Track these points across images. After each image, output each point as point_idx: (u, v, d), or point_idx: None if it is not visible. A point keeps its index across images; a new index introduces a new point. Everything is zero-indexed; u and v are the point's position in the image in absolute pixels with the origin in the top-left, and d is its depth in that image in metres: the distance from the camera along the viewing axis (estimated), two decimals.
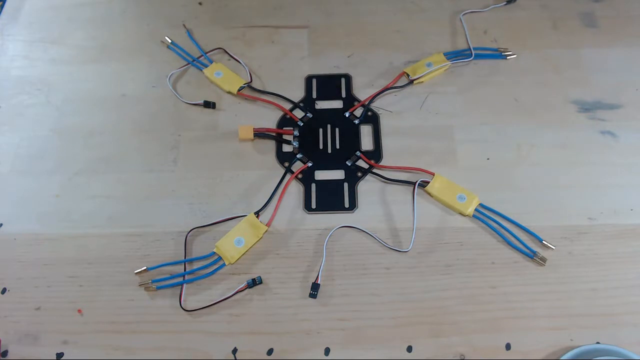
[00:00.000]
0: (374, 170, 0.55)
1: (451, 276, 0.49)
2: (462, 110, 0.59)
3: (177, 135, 0.58)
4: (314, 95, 0.60)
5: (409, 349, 0.46)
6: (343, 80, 0.61)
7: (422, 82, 0.61)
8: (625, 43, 0.63)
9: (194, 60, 0.62)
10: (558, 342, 0.46)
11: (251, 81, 0.61)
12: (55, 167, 0.56)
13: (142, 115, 0.59)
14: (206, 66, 0.62)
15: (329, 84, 0.61)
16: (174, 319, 0.47)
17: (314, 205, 0.53)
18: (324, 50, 0.64)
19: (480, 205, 0.52)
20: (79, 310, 0.48)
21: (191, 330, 0.47)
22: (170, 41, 0.64)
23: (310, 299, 0.48)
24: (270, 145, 0.57)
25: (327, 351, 0.46)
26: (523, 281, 0.49)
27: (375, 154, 0.56)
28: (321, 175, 0.55)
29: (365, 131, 0.58)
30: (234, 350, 0.46)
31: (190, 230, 0.51)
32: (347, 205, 0.53)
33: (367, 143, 0.57)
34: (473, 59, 0.62)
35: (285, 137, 0.57)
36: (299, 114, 0.59)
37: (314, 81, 0.61)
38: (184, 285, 0.48)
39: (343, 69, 0.62)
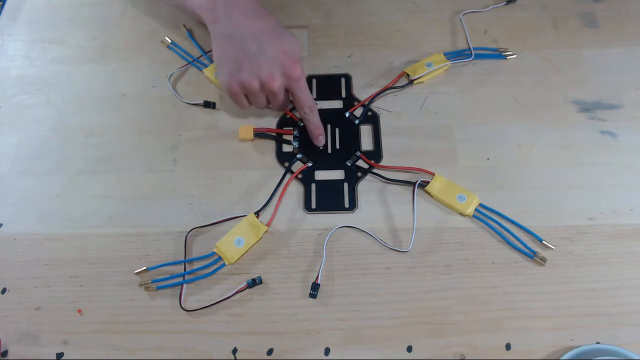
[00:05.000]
0: (374, 170, 0.55)
1: (451, 276, 0.49)
2: (462, 110, 0.59)
3: (177, 135, 0.58)
4: (314, 95, 0.60)
5: (409, 349, 0.46)
6: (343, 80, 0.61)
7: (422, 82, 0.61)
8: (625, 43, 0.63)
9: (194, 60, 0.62)
10: (558, 342, 0.46)
11: None
12: (55, 167, 0.56)
13: (142, 115, 0.59)
14: (206, 66, 0.62)
15: (329, 84, 0.61)
16: (174, 319, 0.47)
17: (314, 205, 0.53)
18: (324, 50, 0.64)
19: (480, 205, 0.52)
20: (79, 310, 0.48)
21: (191, 330, 0.47)
22: (170, 41, 0.64)
23: (310, 299, 0.48)
24: (270, 145, 0.57)
25: (327, 351, 0.46)
26: (523, 281, 0.49)
27: (375, 154, 0.56)
28: (321, 175, 0.55)
29: (365, 131, 0.58)
30: (234, 350, 0.46)
31: (190, 230, 0.51)
32: (347, 205, 0.53)
33: (367, 143, 0.57)
34: (473, 59, 0.62)
35: (285, 137, 0.57)
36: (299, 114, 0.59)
37: (314, 81, 0.61)
38: (184, 285, 0.48)
39: (343, 69, 0.62)
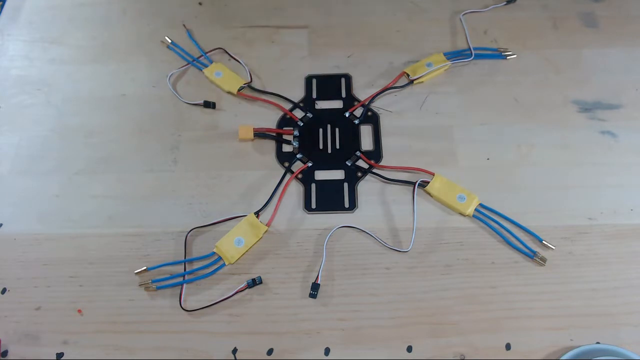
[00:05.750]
0: (374, 170, 0.55)
1: (451, 276, 0.49)
2: (462, 110, 0.59)
3: (177, 135, 0.58)
4: (314, 95, 0.60)
5: (409, 349, 0.46)
6: (343, 80, 0.61)
7: (422, 82, 0.61)
8: (625, 43, 0.63)
9: (194, 60, 0.62)
10: (558, 342, 0.46)
11: (251, 81, 0.61)
12: (55, 167, 0.56)
13: (142, 115, 0.59)
14: (206, 66, 0.62)
15: (329, 84, 0.61)
16: (174, 319, 0.47)
17: (314, 205, 0.53)
18: (324, 50, 0.64)
19: (480, 205, 0.52)
20: (79, 310, 0.48)
21: (191, 330, 0.47)
22: (170, 41, 0.64)
23: (310, 299, 0.48)
24: (270, 145, 0.57)
25: (327, 351, 0.46)
26: (523, 281, 0.49)
27: (375, 154, 0.56)
28: (321, 175, 0.55)
29: (365, 131, 0.58)
30: (234, 350, 0.46)
31: (190, 230, 0.51)
32: (347, 205, 0.53)
33: (367, 143, 0.57)
34: (473, 59, 0.62)
35: (285, 137, 0.57)
36: (299, 114, 0.59)
37: (314, 81, 0.61)
38: (184, 285, 0.48)
39: (343, 69, 0.62)
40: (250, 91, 0.61)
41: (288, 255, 0.50)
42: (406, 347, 0.46)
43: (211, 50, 0.63)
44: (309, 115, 0.59)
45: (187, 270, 0.49)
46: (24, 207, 0.54)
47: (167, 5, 0.68)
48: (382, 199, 0.53)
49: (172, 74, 0.62)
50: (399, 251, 0.50)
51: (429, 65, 0.60)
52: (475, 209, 0.52)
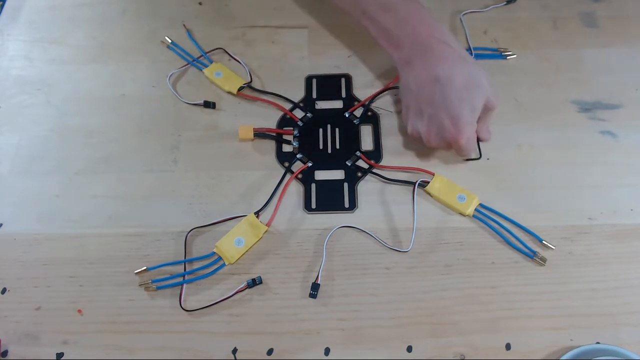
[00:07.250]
0: (374, 170, 0.55)
1: (451, 276, 0.49)
2: None
3: (177, 135, 0.58)
4: (314, 95, 0.60)
5: (409, 349, 0.46)
6: (343, 80, 0.61)
7: None
8: (625, 43, 0.63)
9: (194, 60, 0.62)
10: (558, 342, 0.46)
11: (251, 81, 0.61)
12: (55, 167, 0.56)
13: (142, 115, 0.59)
14: (206, 66, 0.62)
15: (329, 84, 0.61)
16: (174, 319, 0.47)
17: (314, 205, 0.53)
18: (324, 50, 0.64)
19: (480, 205, 0.52)
20: (79, 310, 0.48)
21: (191, 330, 0.47)
22: (170, 41, 0.64)
23: (310, 299, 0.48)
24: (270, 145, 0.57)
25: (327, 351, 0.46)
26: (523, 281, 0.49)
27: (375, 154, 0.56)
28: (321, 175, 0.55)
29: (365, 131, 0.58)
30: (234, 350, 0.46)
31: (190, 230, 0.51)
32: (347, 205, 0.53)
33: (367, 143, 0.57)
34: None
35: (285, 137, 0.57)
36: (299, 114, 0.59)
37: (314, 81, 0.61)
38: (184, 285, 0.48)
39: (343, 69, 0.62)
40: (250, 91, 0.61)
41: (288, 255, 0.50)
42: (406, 347, 0.46)
43: (211, 50, 0.63)
44: (309, 115, 0.59)
45: (187, 270, 0.49)
46: (24, 207, 0.54)
47: (167, 5, 0.68)
48: (382, 199, 0.53)
49: (172, 74, 0.62)
50: (399, 251, 0.50)
51: None
52: (475, 209, 0.52)
